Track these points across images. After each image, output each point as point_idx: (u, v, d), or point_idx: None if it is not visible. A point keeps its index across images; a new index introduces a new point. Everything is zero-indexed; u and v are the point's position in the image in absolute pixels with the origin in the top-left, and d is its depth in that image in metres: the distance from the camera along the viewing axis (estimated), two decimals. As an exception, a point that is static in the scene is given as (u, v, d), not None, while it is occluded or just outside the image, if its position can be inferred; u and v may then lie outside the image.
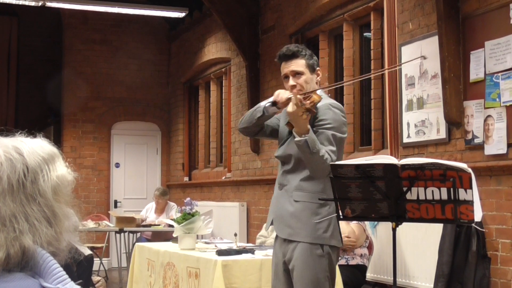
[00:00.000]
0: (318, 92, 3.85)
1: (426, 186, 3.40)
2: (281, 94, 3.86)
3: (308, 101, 3.66)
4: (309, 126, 3.67)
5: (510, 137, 5.12)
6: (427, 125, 5.95)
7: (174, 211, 9.05)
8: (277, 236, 3.99)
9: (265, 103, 3.97)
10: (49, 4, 9.94)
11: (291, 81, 3.93)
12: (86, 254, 8.04)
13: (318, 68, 4.03)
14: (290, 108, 3.63)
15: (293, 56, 3.95)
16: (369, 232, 6.18)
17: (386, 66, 6.49)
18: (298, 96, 3.68)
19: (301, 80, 3.92)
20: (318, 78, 4.02)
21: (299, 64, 3.94)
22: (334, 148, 3.76)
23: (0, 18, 12.46)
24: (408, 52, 6.19)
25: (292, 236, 3.82)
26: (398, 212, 3.50)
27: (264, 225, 6.91)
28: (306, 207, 3.80)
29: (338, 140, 3.82)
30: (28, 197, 1.54)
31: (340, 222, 3.79)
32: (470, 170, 3.38)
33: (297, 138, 3.64)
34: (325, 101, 3.85)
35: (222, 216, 9.70)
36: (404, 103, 6.22)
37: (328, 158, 3.68)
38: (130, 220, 9.46)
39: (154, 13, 11.02)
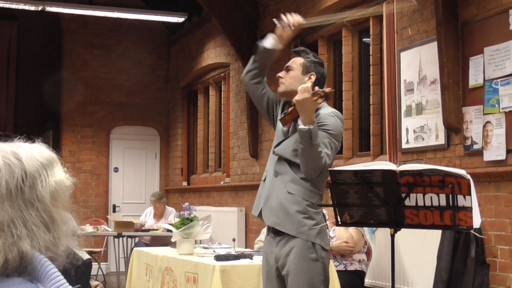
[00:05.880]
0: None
1: (424, 192, 3.41)
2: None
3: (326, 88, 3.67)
4: (314, 119, 3.66)
5: (509, 143, 5.12)
6: (426, 131, 5.95)
7: (172, 216, 9.05)
8: (266, 241, 3.98)
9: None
10: (48, 8, 9.95)
11: (280, 73, 4.01)
12: (84, 259, 8.04)
13: (312, 73, 3.97)
14: (298, 96, 3.60)
15: (296, 53, 4.06)
16: (367, 237, 6.17)
17: (385, 72, 6.50)
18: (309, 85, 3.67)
19: (288, 75, 3.98)
20: (309, 81, 3.98)
21: (295, 61, 4.01)
22: (329, 153, 3.75)
23: (-1, 22, 12.47)
24: (407, 57, 6.20)
25: (278, 225, 3.82)
26: (396, 218, 3.50)
27: (263, 230, 6.90)
28: (295, 201, 3.79)
29: (334, 148, 3.81)
30: (26, 202, 1.54)
31: (338, 227, 3.82)
32: (469, 176, 3.39)
33: (301, 126, 3.60)
34: (328, 109, 3.86)
35: (220, 221, 9.70)
36: (403, 108, 6.22)
37: (324, 158, 3.66)
38: (129, 225, 9.45)
39: (153, 18, 11.03)
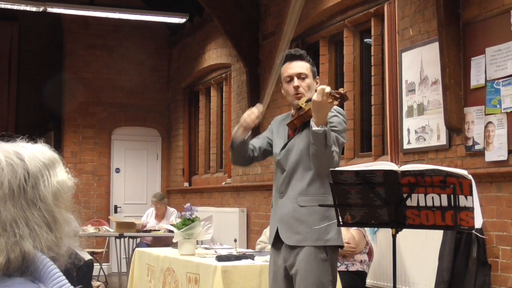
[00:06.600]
0: None
1: (426, 193, 3.40)
2: (246, 118, 3.91)
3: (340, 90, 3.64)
4: (327, 120, 3.66)
5: (510, 144, 5.12)
6: (427, 131, 5.95)
7: (174, 216, 9.05)
8: (274, 243, 3.97)
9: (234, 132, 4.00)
10: (50, 9, 9.96)
11: (296, 82, 3.92)
12: (86, 259, 8.04)
13: (318, 77, 4.06)
14: (317, 97, 3.56)
15: (299, 57, 3.97)
16: (369, 238, 6.17)
17: (386, 72, 6.50)
18: (323, 87, 3.63)
19: (305, 83, 3.93)
20: (316, 86, 4.01)
21: (304, 67, 3.95)
22: (338, 150, 3.77)
23: (1, 23, 12.48)
24: (408, 58, 6.20)
25: (302, 242, 3.79)
26: (398, 219, 3.50)
27: (264, 231, 6.90)
28: (314, 212, 3.78)
29: (340, 144, 3.83)
30: (28, 202, 1.54)
31: (340, 227, 3.81)
32: (470, 176, 3.38)
33: (316, 128, 3.61)
34: None
35: (222, 222, 9.69)
36: (405, 109, 6.22)
37: (335, 157, 3.70)
38: (130, 225, 9.45)
39: (155, 18, 11.03)
